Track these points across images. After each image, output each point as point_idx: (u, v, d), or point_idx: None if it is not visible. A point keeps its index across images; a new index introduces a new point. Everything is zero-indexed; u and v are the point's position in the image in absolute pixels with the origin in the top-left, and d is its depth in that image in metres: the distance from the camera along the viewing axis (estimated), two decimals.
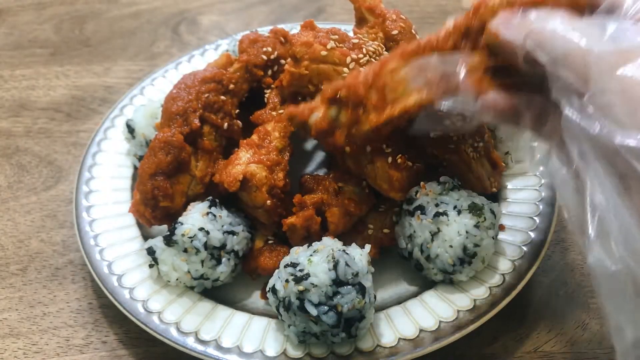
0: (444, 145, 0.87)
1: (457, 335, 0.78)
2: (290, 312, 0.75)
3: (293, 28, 1.20)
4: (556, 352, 0.84)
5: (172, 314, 0.83)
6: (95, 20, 1.63)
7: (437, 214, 0.81)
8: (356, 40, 0.90)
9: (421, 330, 0.79)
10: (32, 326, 0.91)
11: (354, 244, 0.81)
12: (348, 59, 0.87)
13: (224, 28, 1.59)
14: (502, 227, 0.91)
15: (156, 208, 0.87)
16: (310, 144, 1.11)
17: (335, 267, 0.73)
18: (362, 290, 0.74)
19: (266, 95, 0.99)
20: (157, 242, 0.85)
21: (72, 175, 1.15)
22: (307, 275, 0.73)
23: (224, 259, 0.84)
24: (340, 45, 0.89)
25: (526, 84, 0.61)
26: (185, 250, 0.82)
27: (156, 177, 0.87)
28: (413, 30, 1.00)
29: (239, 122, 0.96)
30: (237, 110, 0.98)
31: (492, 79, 0.63)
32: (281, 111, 0.94)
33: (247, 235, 0.88)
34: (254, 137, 0.91)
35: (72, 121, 1.30)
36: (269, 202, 0.85)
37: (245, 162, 0.87)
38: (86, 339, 0.89)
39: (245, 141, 0.90)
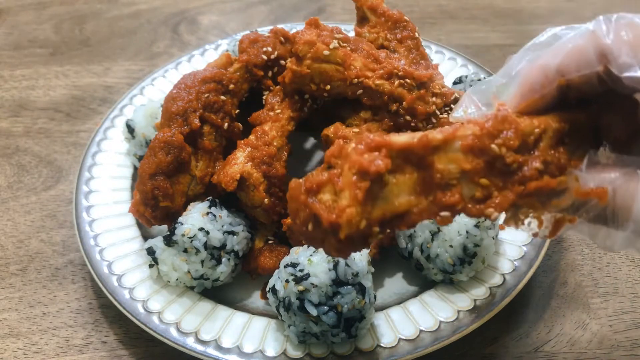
0: None
1: (457, 336, 0.78)
2: (290, 312, 0.75)
3: (293, 28, 1.20)
4: (556, 352, 0.84)
5: (172, 314, 0.83)
6: (95, 20, 1.63)
7: None
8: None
9: (421, 331, 0.79)
10: (32, 326, 0.91)
11: None
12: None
13: (223, 28, 1.59)
14: (502, 227, 0.90)
15: (156, 208, 0.87)
16: (310, 144, 1.11)
17: (335, 267, 0.73)
18: (362, 290, 0.74)
19: (264, 97, 0.99)
20: (157, 242, 0.85)
21: (72, 175, 1.15)
22: (307, 276, 0.73)
23: (224, 259, 0.84)
24: (344, 45, 0.89)
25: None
26: (185, 251, 0.82)
27: (156, 177, 0.86)
28: (417, 34, 0.99)
29: (239, 124, 0.97)
30: (237, 111, 0.98)
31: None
32: (279, 111, 0.94)
33: (247, 235, 0.88)
34: (251, 137, 0.91)
35: (72, 121, 1.30)
36: (266, 200, 0.85)
37: (242, 161, 0.87)
38: (86, 339, 0.89)
39: (242, 141, 0.91)
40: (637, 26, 0.49)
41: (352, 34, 1.02)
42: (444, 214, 0.51)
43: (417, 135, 0.52)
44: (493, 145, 0.52)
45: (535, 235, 0.56)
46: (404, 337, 0.78)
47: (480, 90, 0.57)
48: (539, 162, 0.52)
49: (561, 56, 0.52)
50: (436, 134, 0.53)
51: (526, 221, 0.55)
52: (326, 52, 0.87)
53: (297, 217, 0.54)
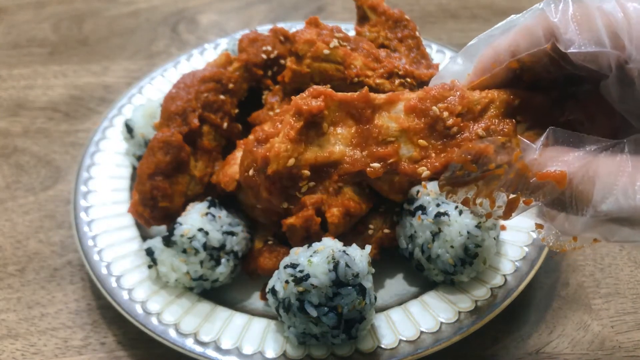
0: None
1: (458, 337, 0.78)
2: (290, 313, 0.74)
3: (293, 27, 1.19)
4: (558, 353, 0.84)
5: (171, 315, 0.82)
6: (93, 19, 1.62)
7: (439, 214, 0.81)
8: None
9: (422, 332, 0.78)
10: (31, 327, 0.90)
11: (354, 245, 0.80)
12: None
13: (223, 27, 1.58)
14: (503, 228, 0.90)
15: (155, 208, 0.87)
16: None
17: (335, 267, 0.73)
18: (362, 291, 0.73)
19: (264, 97, 0.99)
20: (156, 243, 0.84)
21: (71, 175, 1.15)
22: (307, 276, 0.73)
23: (223, 260, 0.83)
24: (345, 44, 0.88)
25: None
26: (185, 251, 0.82)
27: (155, 177, 0.86)
28: (417, 33, 0.99)
29: (239, 125, 0.96)
30: (237, 110, 0.97)
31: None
32: (278, 111, 0.94)
33: (246, 236, 0.87)
34: (251, 137, 0.90)
35: (71, 121, 1.29)
36: None
37: None
38: (85, 340, 0.89)
39: (242, 141, 0.90)
40: (584, 5, 0.50)
41: (352, 33, 1.01)
42: (375, 164, 0.54)
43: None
44: (434, 107, 0.54)
45: (488, 216, 0.56)
46: (405, 338, 0.78)
47: (440, 76, 0.59)
48: (482, 129, 0.53)
49: (511, 35, 0.54)
50: (380, 95, 0.56)
51: (475, 199, 0.54)
52: (326, 51, 0.87)
53: (242, 166, 0.59)
